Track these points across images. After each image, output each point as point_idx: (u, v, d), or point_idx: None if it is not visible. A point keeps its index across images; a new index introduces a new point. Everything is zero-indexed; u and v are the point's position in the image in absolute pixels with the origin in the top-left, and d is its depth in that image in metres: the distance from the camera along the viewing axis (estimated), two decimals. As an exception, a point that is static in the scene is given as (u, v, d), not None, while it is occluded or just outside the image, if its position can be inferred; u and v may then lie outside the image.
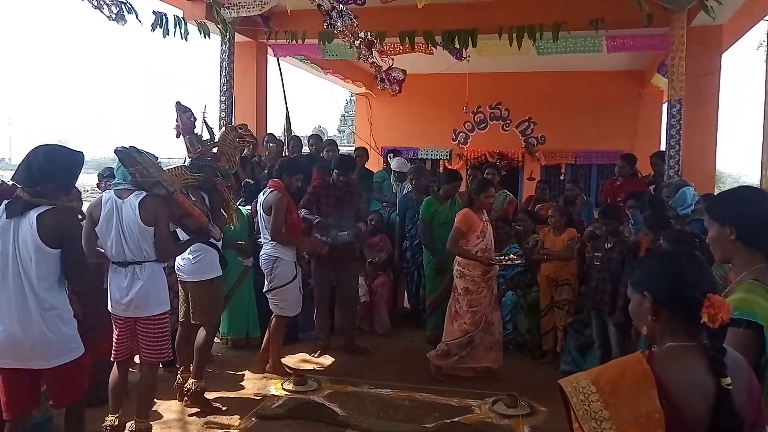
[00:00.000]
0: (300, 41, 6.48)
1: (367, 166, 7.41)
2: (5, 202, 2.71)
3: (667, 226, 3.88)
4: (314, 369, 5.06)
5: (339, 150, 7.38)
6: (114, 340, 3.48)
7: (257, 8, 6.07)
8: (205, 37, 6.42)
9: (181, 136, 4.16)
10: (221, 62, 6.76)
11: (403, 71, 7.19)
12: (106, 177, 4.58)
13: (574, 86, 9.92)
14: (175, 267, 4.23)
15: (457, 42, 5.96)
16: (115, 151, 3.31)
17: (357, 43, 5.50)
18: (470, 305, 4.73)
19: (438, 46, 6.31)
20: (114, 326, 3.47)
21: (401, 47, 6.81)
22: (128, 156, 3.30)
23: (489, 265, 4.71)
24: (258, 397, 4.36)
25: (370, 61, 5.96)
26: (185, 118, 4.12)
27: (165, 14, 5.96)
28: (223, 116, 6.66)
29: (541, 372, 4.95)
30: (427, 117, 10.71)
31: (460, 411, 4.16)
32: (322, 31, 6.26)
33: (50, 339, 2.68)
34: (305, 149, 7.41)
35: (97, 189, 4.75)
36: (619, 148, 9.08)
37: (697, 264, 1.52)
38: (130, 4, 4.71)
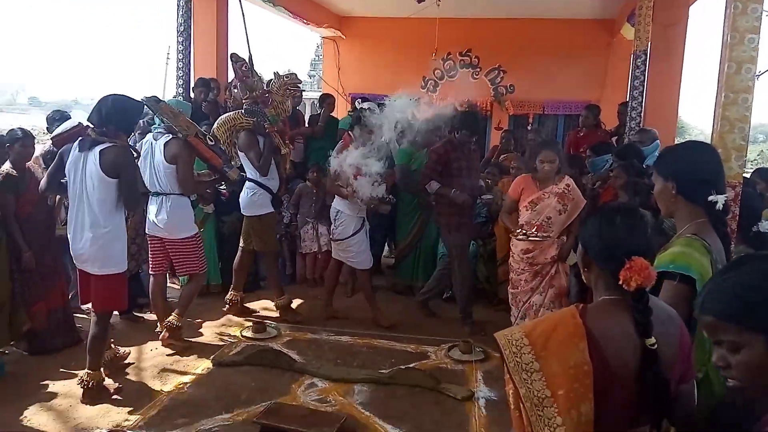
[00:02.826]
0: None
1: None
2: (80, 138, 3.41)
3: (642, 174, 3.79)
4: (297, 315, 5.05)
5: (302, 96, 7.15)
6: (150, 256, 4.30)
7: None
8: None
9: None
10: (178, 1, 6.41)
11: None
12: (57, 120, 4.47)
13: (544, 34, 9.71)
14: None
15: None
16: (141, 100, 3.84)
17: None
18: (512, 285, 4.30)
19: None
20: (149, 245, 4.30)
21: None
22: (150, 103, 3.96)
23: (517, 237, 4.14)
24: (216, 344, 4.37)
25: None
26: (237, 67, 4.72)
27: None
28: (180, 58, 6.37)
29: (497, 319, 5.04)
30: (396, 64, 10.44)
31: (417, 357, 4.25)
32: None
33: (99, 252, 3.37)
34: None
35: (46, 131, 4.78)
36: (587, 98, 9.03)
37: (632, 224, 1.51)
38: None
